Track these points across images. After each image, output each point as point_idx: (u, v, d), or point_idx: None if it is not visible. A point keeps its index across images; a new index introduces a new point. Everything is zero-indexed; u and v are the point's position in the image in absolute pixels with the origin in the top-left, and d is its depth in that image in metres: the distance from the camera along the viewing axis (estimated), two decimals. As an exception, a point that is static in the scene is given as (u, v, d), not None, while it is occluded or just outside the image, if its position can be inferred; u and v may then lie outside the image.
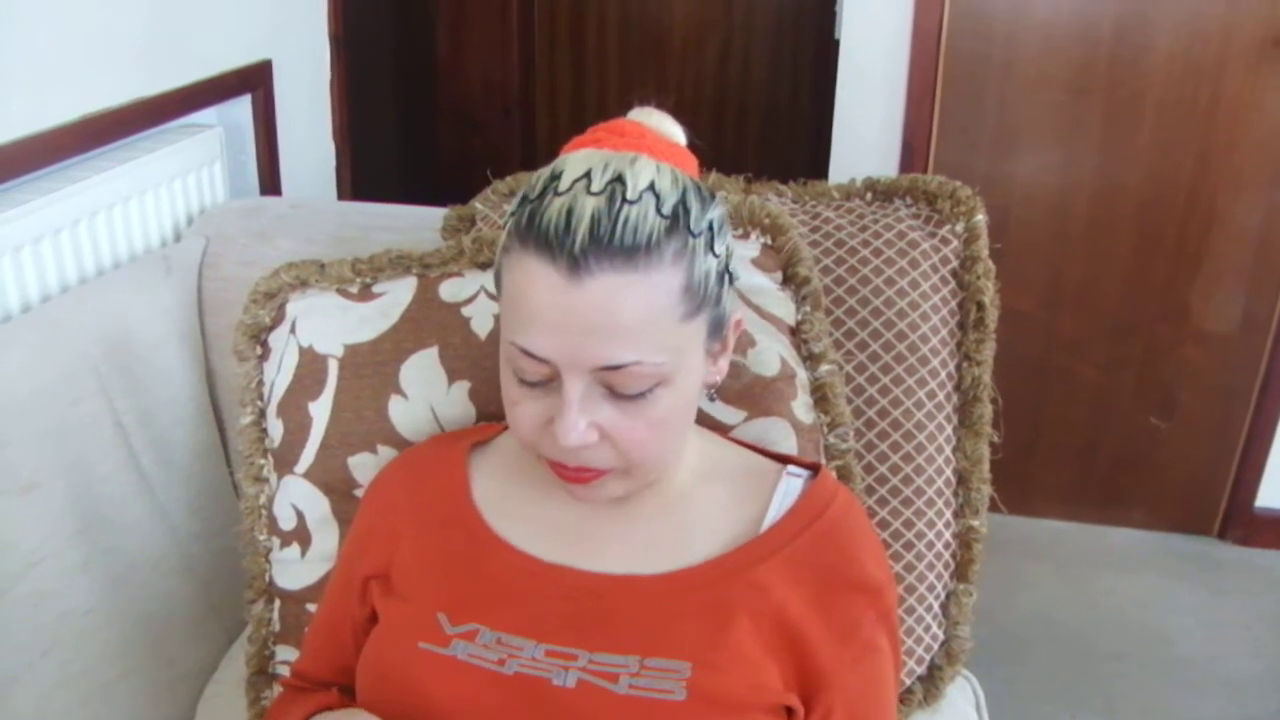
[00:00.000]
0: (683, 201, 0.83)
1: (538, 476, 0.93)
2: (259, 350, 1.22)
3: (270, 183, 1.84)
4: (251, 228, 1.53)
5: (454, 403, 1.13)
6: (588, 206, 0.80)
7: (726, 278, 0.88)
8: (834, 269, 1.20)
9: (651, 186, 0.81)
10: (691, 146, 0.94)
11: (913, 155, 2.10)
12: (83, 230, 1.43)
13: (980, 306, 1.21)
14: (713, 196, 0.87)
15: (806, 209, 1.26)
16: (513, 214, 0.85)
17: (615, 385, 0.83)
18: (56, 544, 1.18)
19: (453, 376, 1.13)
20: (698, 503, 0.96)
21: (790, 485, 0.97)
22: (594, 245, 0.79)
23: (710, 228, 0.84)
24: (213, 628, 1.36)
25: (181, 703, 1.31)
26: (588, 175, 0.81)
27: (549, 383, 0.84)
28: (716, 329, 0.88)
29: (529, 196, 0.84)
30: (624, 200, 0.80)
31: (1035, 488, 2.59)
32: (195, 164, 1.64)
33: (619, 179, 0.81)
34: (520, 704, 0.87)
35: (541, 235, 0.80)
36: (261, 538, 1.20)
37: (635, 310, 0.80)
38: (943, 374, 1.20)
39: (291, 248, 1.47)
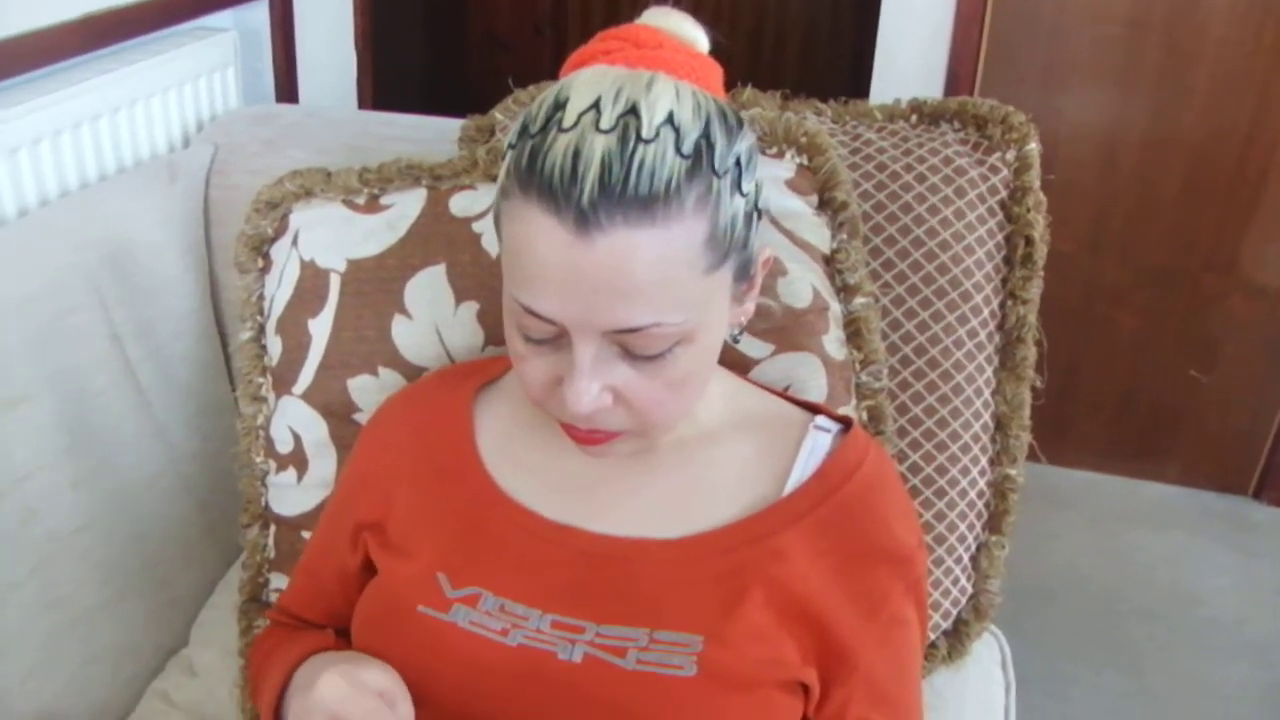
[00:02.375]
0: (706, 135, 0.72)
1: (547, 425, 0.84)
2: (260, 262, 1.14)
3: (287, 91, 1.76)
4: (262, 135, 1.44)
5: (461, 325, 1.05)
6: (597, 148, 0.69)
7: (755, 216, 0.78)
8: (874, 194, 1.10)
9: (670, 119, 0.70)
10: (714, 53, 0.83)
11: (957, 85, 1.98)
12: (85, 134, 1.35)
13: (1029, 241, 1.11)
14: (740, 123, 0.76)
15: (847, 130, 1.16)
16: (511, 147, 0.74)
17: (631, 346, 0.74)
18: (45, 460, 1.12)
19: (460, 296, 1.05)
20: (719, 457, 0.87)
21: (818, 441, 0.88)
22: (605, 196, 0.68)
23: (738, 163, 0.74)
24: (209, 550, 1.30)
25: (175, 626, 1.25)
26: (596, 106, 0.70)
27: (557, 339, 0.75)
28: (743, 272, 0.78)
29: (529, 129, 0.73)
30: (639, 139, 0.69)
31: (1068, 436, 2.50)
32: (206, 69, 1.55)
33: (633, 110, 0.70)
34: (524, 678, 0.80)
35: (545, 183, 0.70)
36: (258, 460, 1.13)
37: (652, 268, 0.70)
38: (985, 312, 1.11)
39: (303, 157, 1.38)
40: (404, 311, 1.05)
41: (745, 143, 0.75)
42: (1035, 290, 1.12)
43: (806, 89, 1.25)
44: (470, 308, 1.04)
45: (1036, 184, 1.12)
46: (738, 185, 0.74)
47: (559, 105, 0.72)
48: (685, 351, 0.75)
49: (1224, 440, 2.44)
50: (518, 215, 0.72)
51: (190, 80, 1.52)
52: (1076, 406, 2.48)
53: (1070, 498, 2.37)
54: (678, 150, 0.70)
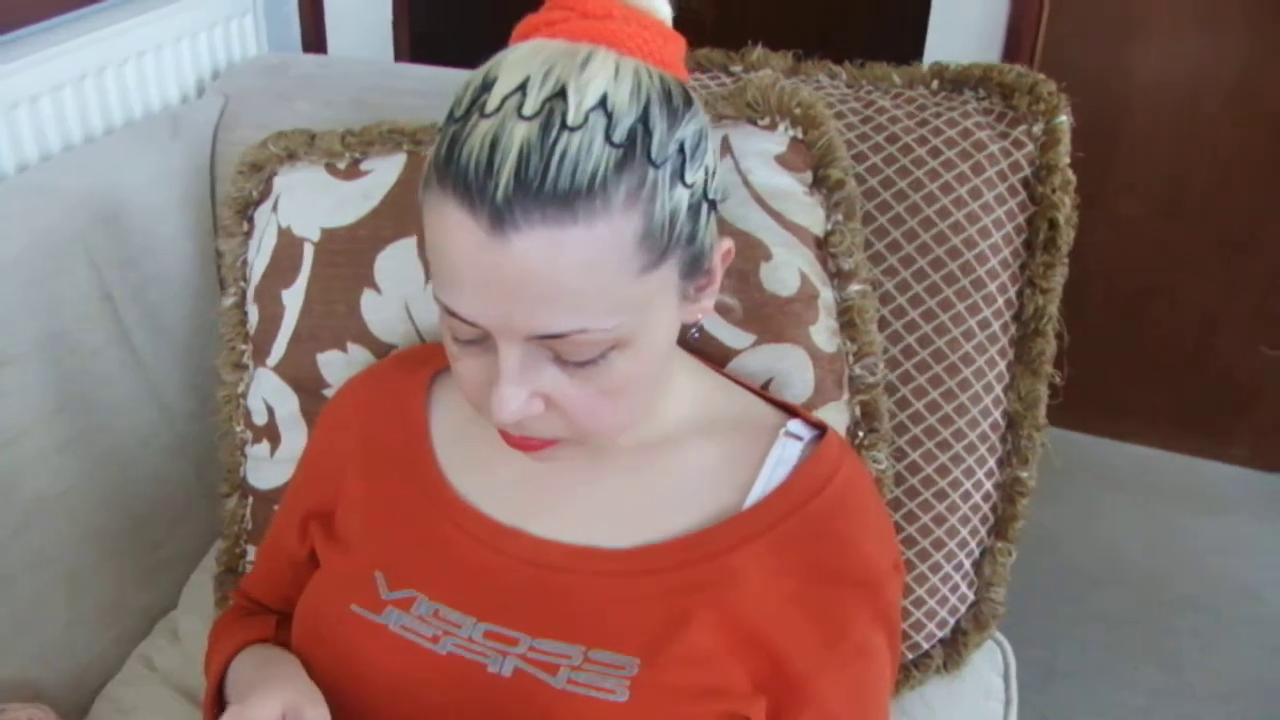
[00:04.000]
0: (643, 120, 0.63)
1: None
2: (245, 226, 1.09)
3: (314, 40, 1.69)
4: (273, 87, 1.38)
5: (431, 302, 0.96)
6: (516, 137, 0.61)
7: (706, 207, 0.69)
8: (883, 169, 1.00)
9: (603, 103, 0.62)
10: (689, 13, 0.74)
11: (1019, 40, 1.82)
12: (89, 87, 1.30)
13: (1053, 225, 0.99)
14: (689, 102, 0.67)
15: (860, 96, 1.05)
16: (439, 131, 0.67)
17: (561, 351, 0.66)
18: (33, 422, 1.09)
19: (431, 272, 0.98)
20: (681, 462, 0.80)
21: (787, 450, 0.80)
22: (520, 191, 0.60)
23: (681, 150, 0.65)
24: (203, 513, 1.26)
25: (165, 588, 1.23)
26: (523, 89, 0.62)
27: (485, 340, 0.68)
28: (694, 268, 0.70)
29: (454, 113, 0.65)
30: (563, 127, 0.61)
31: (1125, 409, 2.34)
32: (224, 17, 1.49)
33: (561, 93, 0.62)
34: (451, 688, 0.74)
35: (460, 175, 0.62)
36: (238, 429, 1.09)
37: (576, 270, 0.62)
38: (1000, 300, 1.00)
39: (309, 110, 1.31)
40: (373, 285, 0.99)
41: (692, 126, 0.67)
42: (1058, 279, 1.01)
43: (863, 44, 1.15)
44: (438, 285, 0.98)
45: (1065, 161, 1.00)
46: (680, 175, 0.65)
47: (485, 87, 0.64)
48: (622, 357, 0.68)
49: (1295, 422, 2.27)
50: (434, 208, 0.65)
51: (206, 29, 1.46)
52: (1136, 377, 2.32)
53: (1123, 475, 2.22)
54: (608, 138, 0.62)
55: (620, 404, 0.70)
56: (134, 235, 1.21)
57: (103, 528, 1.16)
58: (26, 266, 1.10)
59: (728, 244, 0.74)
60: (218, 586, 1.10)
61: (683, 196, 0.66)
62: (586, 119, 0.61)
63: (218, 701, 0.84)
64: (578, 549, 0.78)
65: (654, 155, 0.63)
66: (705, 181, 0.68)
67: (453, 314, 0.66)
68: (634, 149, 0.63)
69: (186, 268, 1.27)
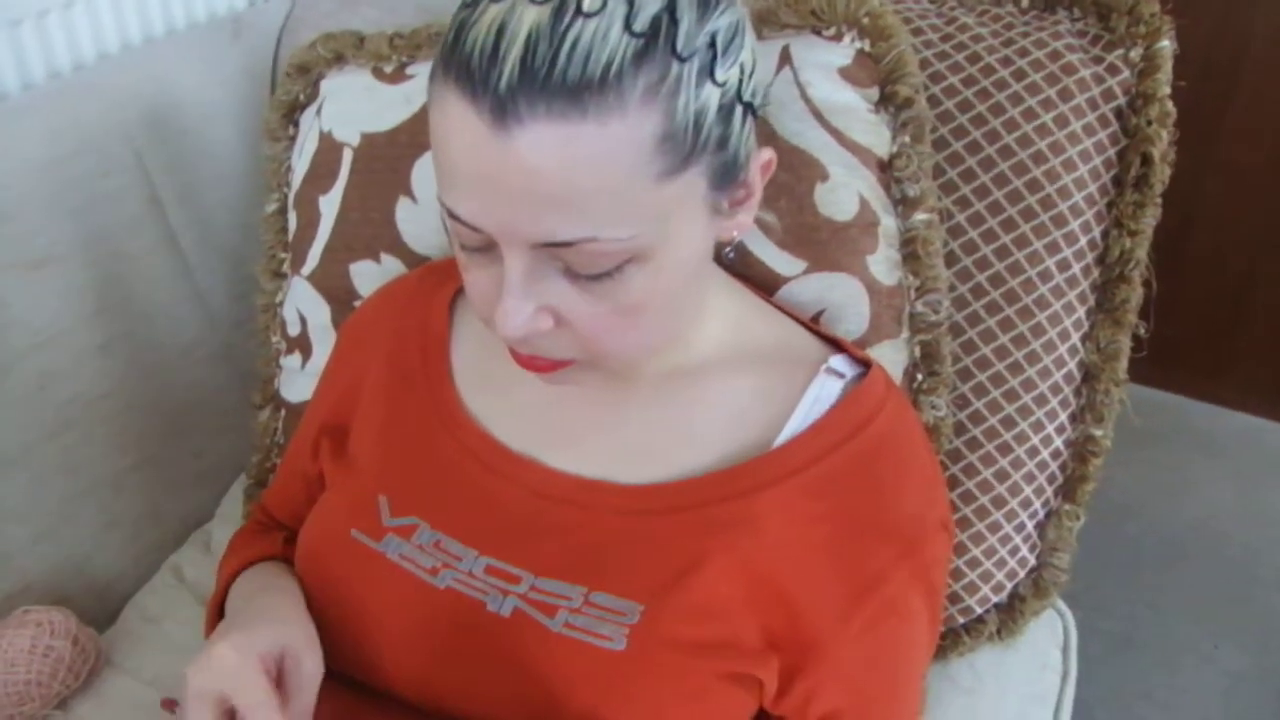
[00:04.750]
0: (670, 8, 0.56)
1: None
2: (291, 131, 1.04)
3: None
4: (339, -5, 1.33)
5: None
6: (525, 22, 0.54)
7: (740, 110, 0.61)
8: (960, 90, 0.90)
9: None
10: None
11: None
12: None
13: (1146, 160, 0.89)
14: None
15: (943, 11, 0.95)
16: (451, 20, 0.60)
17: (570, 262, 0.60)
18: (70, 323, 1.07)
19: (466, 181, 0.92)
20: (710, 394, 0.73)
21: (827, 387, 0.72)
22: (526, 81, 0.54)
23: (712, 43, 0.58)
24: (246, 424, 1.23)
25: (203, 499, 1.20)
26: None
27: (492, 249, 0.62)
28: (726, 178, 0.62)
29: (465, 0, 0.59)
30: (578, 12, 0.54)
31: (1230, 373, 2.16)
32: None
33: None
34: (447, 624, 0.68)
35: (463, 63, 0.56)
36: (274, 339, 1.05)
37: (584, 171, 0.56)
38: (1083, 241, 0.90)
39: (374, 16, 1.25)
40: (410, 194, 0.93)
41: (727, 18, 0.59)
42: (1149, 220, 0.90)
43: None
44: (473, 195, 0.91)
45: (1164, 91, 0.89)
46: (709, 72, 0.58)
47: None
48: (639, 273, 0.61)
49: None
50: (436, 101, 0.59)
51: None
52: (1243, 341, 2.15)
53: (1221, 443, 2.06)
54: (627, 26, 0.55)
55: (637, 325, 0.63)
56: (186, 138, 1.18)
57: (140, 434, 1.14)
58: (73, 165, 1.07)
59: (768, 154, 0.67)
60: (247, 499, 1.07)
61: (712, 96, 0.58)
62: (604, 4, 0.55)
63: (219, 615, 0.80)
64: (590, 482, 0.71)
65: (679, 48, 0.56)
66: (740, 81, 0.60)
67: (455, 217, 0.60)
68: (656, 39, 0.55)
69: (239, 173, 1.23)
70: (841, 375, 0.73)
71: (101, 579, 1.10)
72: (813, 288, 0.84)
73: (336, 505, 0.77)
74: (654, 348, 0.68)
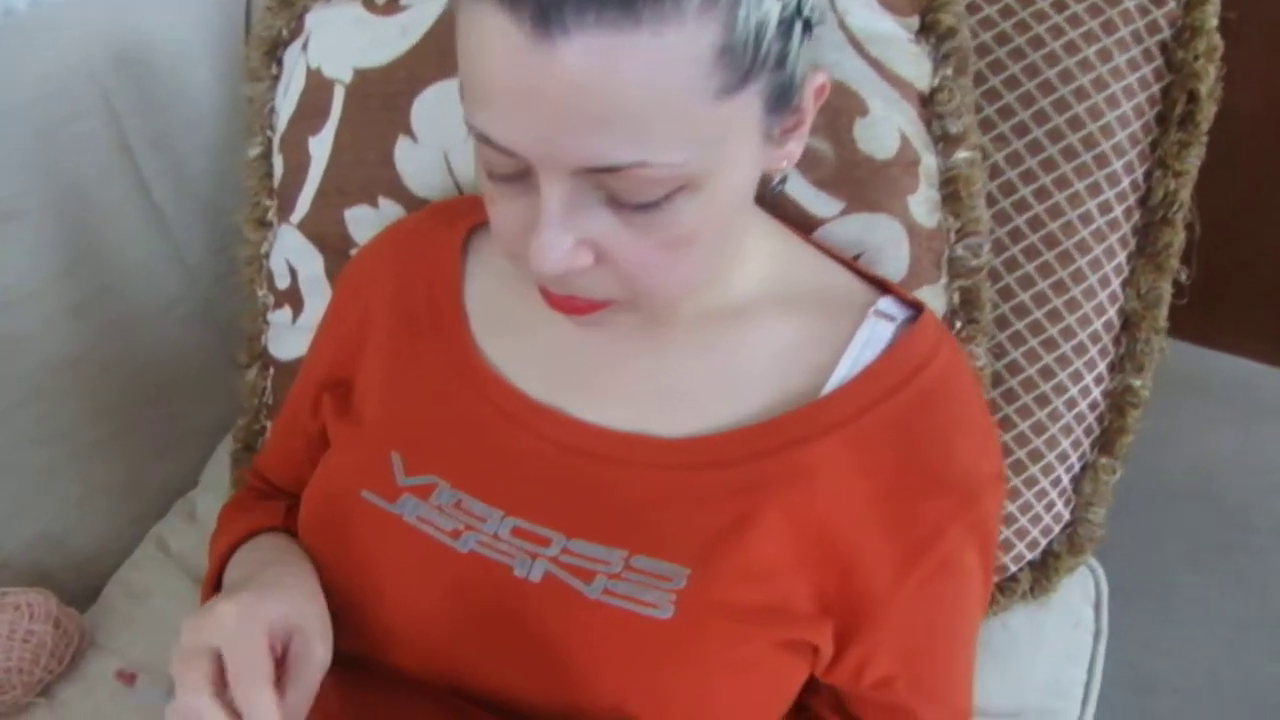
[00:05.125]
0: None
1: None
2: (274, 69, 0.96)
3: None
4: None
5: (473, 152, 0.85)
6: None
7: (799, 26, 0.55)
8: (998, 22, 0.84)
9: None
10: None
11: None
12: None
13: (1193, 97, 0.84)
14: None
15: (977, -60, 0.89)
16: None
17: (615, 190, 0.53)
18: (41, 282, 0.99)
19: (473, 119, 0.85)
20: (752, 339, 0.67)
21: (877, 331, 0.67)
22: None
23: None
24: (228, 385, 1.14)
25: (185, 465, 1.13)
26: None
27: (525, 177, 0.55)
28: (781, 101, 0.56)
29: None
30: None
31: (1232, 317, 2.12)
32: None
33: None
34: (471, 592, 0.62)
35: None
36: (260, 293, 0.97)
37: (637, 86, 0.49)
38: (1125, 181, 0.85)
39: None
40: (409, 133, 0.86)
41: None
42: (1193, 160, 0.85)
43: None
44: (482, 133, 0.85)
45: (1212, 24, 0.84)
46: None
47: None
48: (689, 203, 0.54)
49: None
50: (467, 12, 0.52)
51: None
52: (1246, 282, 2.11)
53: (1218, 387, 2.01)
54: None
55: (684, 260, 0.57)
56: (157, 80, 1.09)
57: (118, 399, 1.06)
58: (36, 112, 0.98)
59: (822, 77, 0.60)
60: (235, 465, 1.00)
61: (773, 8, 0.52)
62: None
63: (215, 591, 0.74)
64: (624, 435, 0.66)
65: None
66: None
67: (486, 140, 0.54)
68: None
69: (215, 116, 1.14)
70: (891, 318, 0.68)
71: (81, 554, 1.02)
72: (851, 229, 0.78)
73: (344, 465, 0.70)
74: (698, 286, 0.62)
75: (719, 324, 0.67)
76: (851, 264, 0.74)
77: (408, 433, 0.69)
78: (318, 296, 0.91)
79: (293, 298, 0.93)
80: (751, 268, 0.68)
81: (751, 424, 0.64)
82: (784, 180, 0.65)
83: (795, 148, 0.61)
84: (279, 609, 0.59)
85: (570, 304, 0.60)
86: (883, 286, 0.71)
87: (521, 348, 0.70)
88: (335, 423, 0.72)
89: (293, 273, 0.93)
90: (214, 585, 0.74)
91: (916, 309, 0.69)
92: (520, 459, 0.66)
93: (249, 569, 0.70)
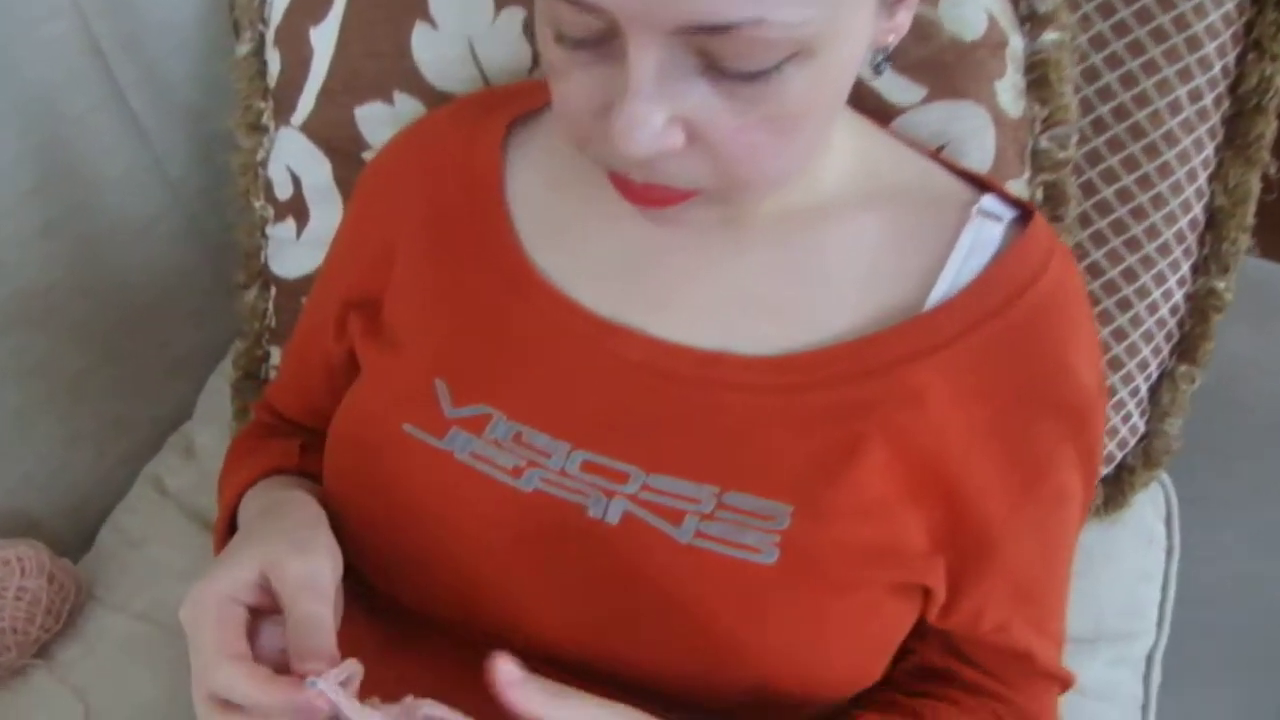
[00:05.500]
0: None
1: (604, 178, 0.56)
2: (264, -47, 0.85)
3: None
4: None
5: (501, 38, 0.75)
6: None
7: None
8: (1082, -111, 0.76)
9: None
10: None
11: None
12: None
13: (1293, -31, 0.76)
14: None
15: None
16: None
17: (719, 56, 0.45)
18: (5, 203, 0.88)
19: (501, 0, 0.75)
20: (840, 241, 0.58)
21: (985, 232, 0.59)
22: None
23: None
24: (220, 308, 1.05)
25: (177, 397, 1.03)
26: None
27: (606, 43, 0.46)
28: None
29: None
30: None
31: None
32: None
33: None
34: (537, 537, 0.54)
35: None
36: (257, 205, 0.88)
37: None
38: (1217, 67, 0.77)
39: None
40: (427, 18, 0.76)
41: None
42: (1291, 40, 0.78)
43: None
44: (514, 15, 0.74)
45: (1317, -114, 0.76)
46: None
47: None
48: (800, 74, 0.46)
49: None
50: None
51: None
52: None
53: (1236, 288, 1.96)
54: None
55: (789, 143, 0.49)
56: (126, -26, 0.98)
57: (100, 328, 0.96)
58: (-6, 10, 0.87)
59: None
60: (236, 395, 0.91)
61: None
62: None
63: (229, 539, 0.65)
64: (705, 354, 0.57)
65: None
66: None
67: None
68: None
69: (194, 14, 1.02)
70: (997, 218, 0.60)
71: (70, 500, 0.94)
72: (934, 118, 0.70)
73: (379, 395, 0.61)
74: (793, 174, 0.53)
75: (803, 224, 0.59)
76: (939, 156, 0.66)
77: (452, 357, 0.60)
78: (327, 206, 0.82)
79: (296, 209, 0.83)
80: (836, 160, 0.60)
81: (850, 340, 0.57)
82: (886, 59, 0.56)
83: (904, 18, 0.53)
84: (244, 568, 0.50)
85: (651, 195, 0.51)
86: (978, 182, 0.63)
87: (579, 257, 0.61)
88: (366, 344, 0.63)
89: (295, 181, 0.83)
90: (227, 534, 0.65)
91: (1021, 209, 0.61)
92: (586, 384, 0.58)
93: (250, 525, 0.61)
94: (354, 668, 0.46)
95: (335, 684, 0.44)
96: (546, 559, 0.55)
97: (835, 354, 0.56)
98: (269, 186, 0.86)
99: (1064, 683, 0.63)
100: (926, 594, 0.57)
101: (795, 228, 0.59)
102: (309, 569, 0.50)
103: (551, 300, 0.60)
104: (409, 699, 0.46)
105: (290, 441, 0.69)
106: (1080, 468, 0.60)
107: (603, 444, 0.56)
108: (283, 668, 0.47)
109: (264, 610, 0.50)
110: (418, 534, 0.57)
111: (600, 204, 0.58)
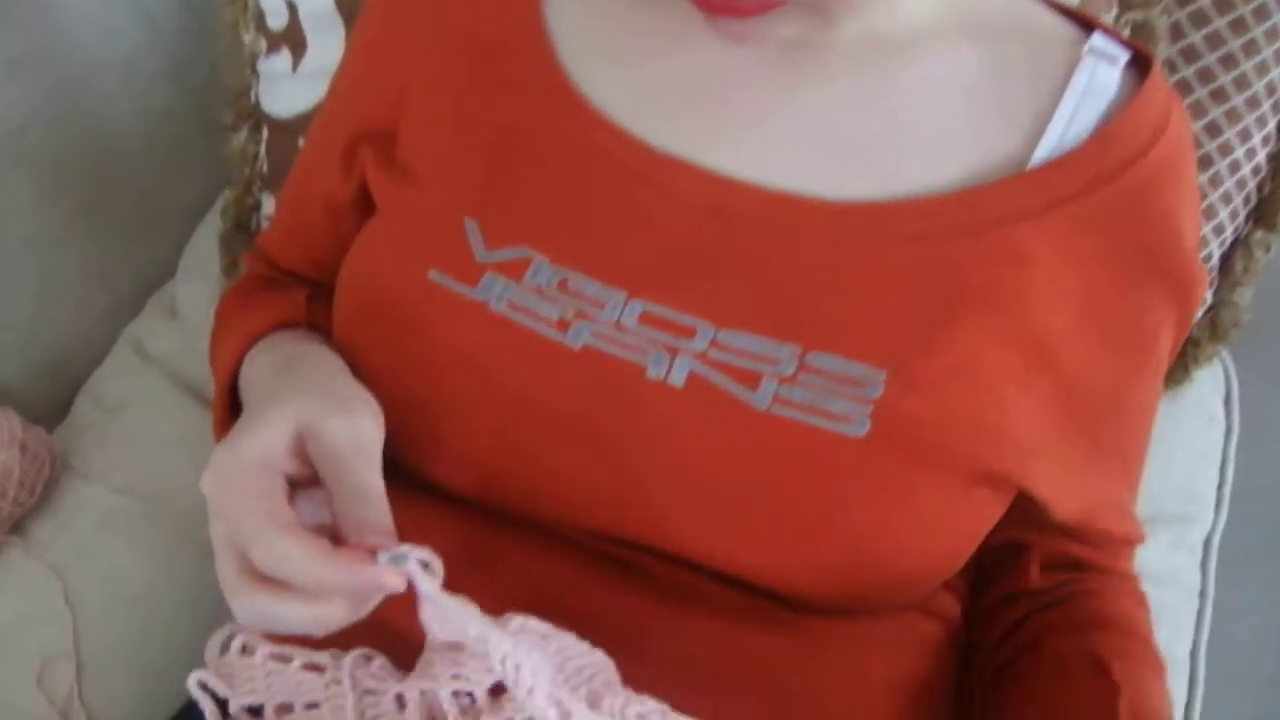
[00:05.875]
0: None
1: None
2: None
3: None
4: None
5: None
6: None
7: None
8: None
9: None
10: None
11: None
12: None
13: None
14: None
15: None
16: None
17: None
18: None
19: None
20: (931, 75, 0.50)
21: (1099, 77, 0.51)
22: None
23: None
24: (205, 153, 0.95)
25: (158, 252, 0.95)
26: None
27: None
28: None
29: None
30: None
31: None
32: None
33: None
34: (588, 401, 0.47)
35: None
36: (246, 37, 0.79)
37: None
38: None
39: None
40: None
41: None
42: None
43: None
44: None
45: None
46: None
47: None
48: None
49: None
50: None
51: None
52: None
53: None
54: None
55: None
56: None
57: (74, 178, 0.88)
58: None
59: None
60: (225, 248, 0.84)
61: None
62: None
63: (230, 407, 0.58)
64: (780, 196, 0.49)
65: None
66: None
67: None
68: None
69: None
70: (1113, 60, 0.52)
71: (45, 363, 0.86)
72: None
73: (399, 236, 0.54)
74: None
75: (892, 53, 0.51)
76: None
77: (485, 193, 0.52)
78: (326, 33, 0.74)
79: (292, 38, 0.75)
80: None
81: (945, 193, 0.49)
82: None
83: None
84: (276, 429, 0.43)
85: (735, 3, 0.43)
86: (1082, 20, 0.55)
87: (631, 83, 0.52)
88: (381, 178, 0.55)
89: (291, 8, 0.74)
90: (227, 401, 0.58)
91: (1137, 53, 0.53)
92: (643, 224, 0.50)
93: (263, 386, 0.53)
94: (431, 555, 0.39)
95: (417, 564, 0.38)
96: (597, 427, 0.48)
97: (927, 207, 0.49)
98: (260, 16, 0.77)
99: (1139, 541, 0.58)
100: (1017, 487, 0.50)
101: (882, 58, 0.51)
102: (354, 430, 0.43)
103: (600, 127, 0.52)
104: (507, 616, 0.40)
105: (294, 292, 0.61)
106: (1174, 339, 0.54)
107: (663, 293, 0.49)
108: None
109: (299, 482, 0.43)
110: (445, 399, 0.50)
111: (658, 22, 0.50)
